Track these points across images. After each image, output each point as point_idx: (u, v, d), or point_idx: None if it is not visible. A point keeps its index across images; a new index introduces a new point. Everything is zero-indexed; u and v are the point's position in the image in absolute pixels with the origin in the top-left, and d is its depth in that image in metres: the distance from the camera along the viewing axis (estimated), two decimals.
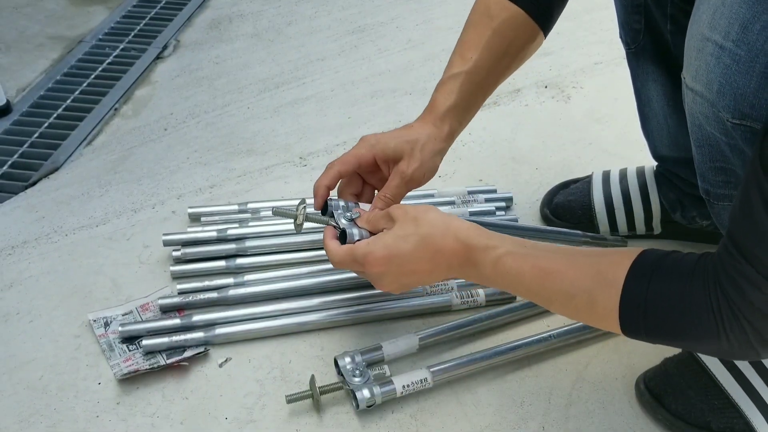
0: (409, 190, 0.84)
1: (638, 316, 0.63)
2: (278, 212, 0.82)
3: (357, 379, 0.85)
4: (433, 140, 0.83)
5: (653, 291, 0.62)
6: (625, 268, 0.63)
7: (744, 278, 0.56)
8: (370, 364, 0.88)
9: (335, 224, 0.81)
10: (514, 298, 0.98)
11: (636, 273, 0.63)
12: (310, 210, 0.83)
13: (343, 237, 0.79)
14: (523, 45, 0.86)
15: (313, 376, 0.86)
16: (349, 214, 0.81)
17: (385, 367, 0.88)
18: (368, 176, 0.87)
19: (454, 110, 0.84)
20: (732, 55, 0.58)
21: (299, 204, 0.82)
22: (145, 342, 0.91)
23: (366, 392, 0.83)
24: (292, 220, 0.82)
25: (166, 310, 0.97)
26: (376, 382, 0.85)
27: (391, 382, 0.85)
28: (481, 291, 0.98)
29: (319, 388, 0.85)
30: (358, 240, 0.78)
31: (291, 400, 0.84)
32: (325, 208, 0.83)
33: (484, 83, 0.85)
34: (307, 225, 0.84)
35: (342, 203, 0.83)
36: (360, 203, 0.85)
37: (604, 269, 0.65)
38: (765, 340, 0.58)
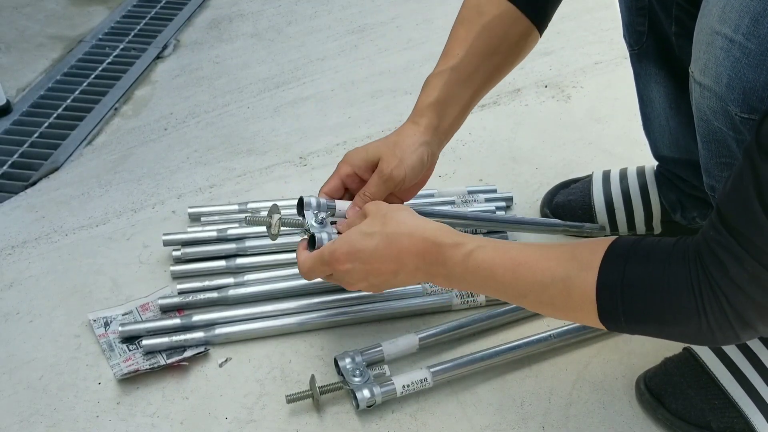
0: (391, 189, 0.82)
1: (616, 298, 0.62)
2: (252, 221, 0.81)
3: (357, 379, 0.85)
4: (411, 136, 0.82)
5: (630, 271, 0.61)
6: (601, 252, 0.63)
7: (727, 252, 0.56)
8: (370, 364, 0.88)
9: (307, 228, 0.80)
10: None
11: (612, 255, 0.62)
12: (284, 212, 0.82)
13: (312, 243, 0.78)
14: (516, 42, 0.84)
15: (313, 376, 0.86)
16: (321, 216, 0.80)
17: (385, 367, 0.88)
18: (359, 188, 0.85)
19: (435, 105, 0.83)
20: (742, 49, 0.58)
21: (271, 211, 0.81)
22: (145, 342, 0.91)
23: (366, 392, 0.83)
24: (266, 228, 0.82)
25: (166, 310, 0.97)
26: (376, 382, 0.84)
27: (391, 382, 0.85)
28: None
29: (319, 388, 0.85)
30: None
31: (291, 400, 0.84)
32: (300, 207, 0.82)
33: (470, 79, 0.84)
34: (282, 230, 0.82)
35: (314, 202, 0.82)
36: (337, 200, 0.84)
37: (579, 254, 0.65)
38: (745, 322, 0.58)
